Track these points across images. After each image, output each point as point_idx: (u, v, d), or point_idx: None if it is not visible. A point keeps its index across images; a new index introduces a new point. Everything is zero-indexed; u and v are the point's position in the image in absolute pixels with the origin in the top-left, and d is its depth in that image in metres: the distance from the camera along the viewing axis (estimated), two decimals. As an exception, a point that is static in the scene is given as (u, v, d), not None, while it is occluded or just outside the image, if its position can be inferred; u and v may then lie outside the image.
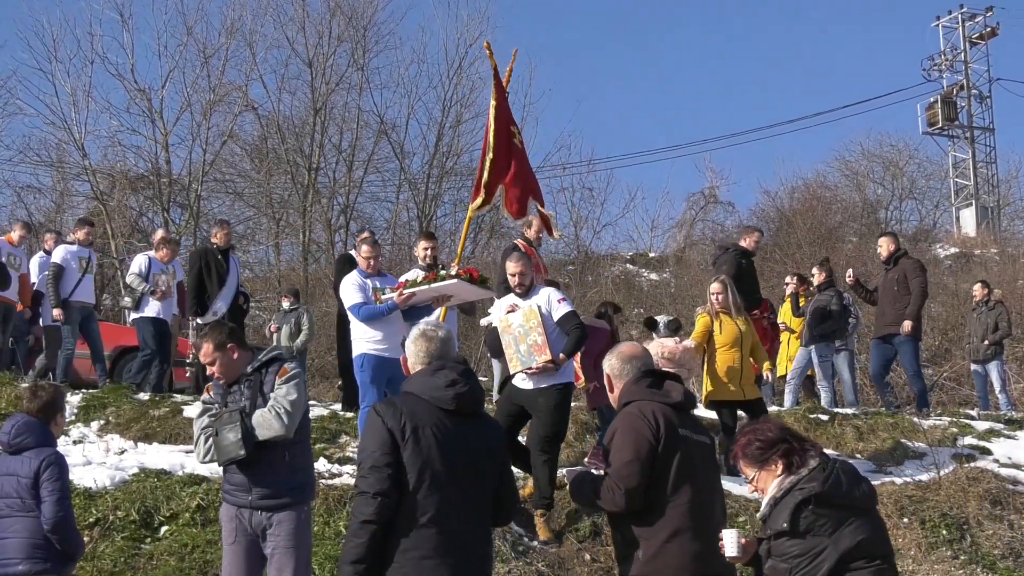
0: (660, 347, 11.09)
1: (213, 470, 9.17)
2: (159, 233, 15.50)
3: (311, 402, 14.18)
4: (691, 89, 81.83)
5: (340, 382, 14.21)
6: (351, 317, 10.36)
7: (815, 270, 15.59)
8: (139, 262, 13.83)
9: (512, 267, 9.44)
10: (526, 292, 9.45)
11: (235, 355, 6.91)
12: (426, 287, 10.23)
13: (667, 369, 11.00)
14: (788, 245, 32.06)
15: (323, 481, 9.78)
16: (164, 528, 9.13)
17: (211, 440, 6.71)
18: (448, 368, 5.40)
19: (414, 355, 5.58)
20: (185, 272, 14.02)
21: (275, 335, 17.18)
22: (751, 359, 11.33)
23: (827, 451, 12.04)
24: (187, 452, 10.36)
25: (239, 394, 6.87)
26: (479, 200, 11.90)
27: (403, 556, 5.07)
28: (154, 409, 12.04)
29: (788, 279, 16.56)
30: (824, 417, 13.12)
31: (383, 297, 10.34)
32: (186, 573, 8.46)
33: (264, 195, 34.58)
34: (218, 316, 13.16)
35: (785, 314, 15.74)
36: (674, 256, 35.64)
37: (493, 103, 12.11)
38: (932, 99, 43.17)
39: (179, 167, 33.97)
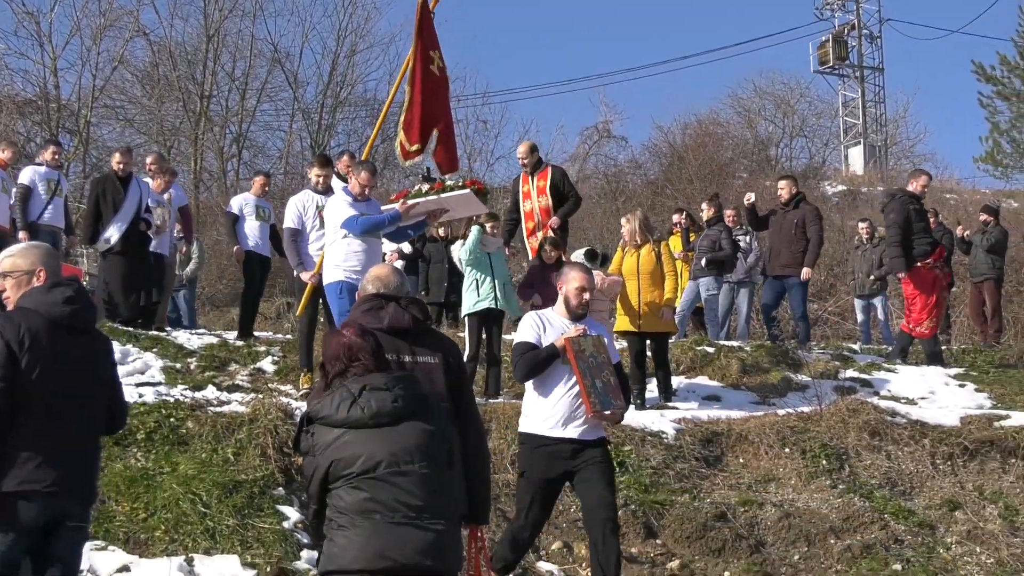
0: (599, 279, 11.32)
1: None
2: (150, 158, 15.27)
3: (202, 330, 14.15)
4: (586, 24, 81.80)
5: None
6: (333, 239, 10.03)
7: (705, 205, 15.80)
8: None
9: (583, 280, 7.65)
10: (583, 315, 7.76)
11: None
12: (434, 198, 10.00)
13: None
14: (679, 180, 32.34)
15: (211, 408, 9.77)
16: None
17: None
18: (64, 285, 5.57)
19: (44, 266, 5.69)
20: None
21: (165, 263, 16.85)
22: (661, 292, 11.47)
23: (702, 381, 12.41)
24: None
25: None
26: (416, 146, 11.09)
27: (12, 459, 5.25)
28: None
29: (676, 217, 16.74)
30: (710, 349, 13.36)
31: (384, 208, 10.10)
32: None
33: (155, 122, 34.05)
34: (110, 244, 13.00)
35: (675, 248, 15.93)
36: (567, 189, 35.74)
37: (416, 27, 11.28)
38: (824, 38, 43.62)
39: (68, 92, 33.38)
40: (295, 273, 11.23)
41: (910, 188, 13.83)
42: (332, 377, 5.16)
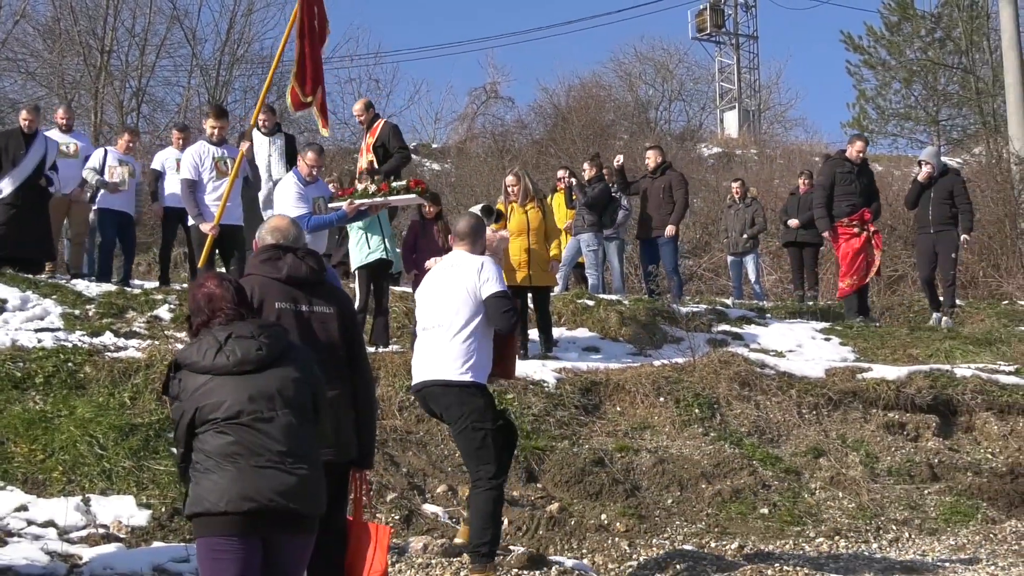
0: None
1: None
2: (60, 112, 15.08)
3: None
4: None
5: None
6: None
7: (586, 165, 16.11)
8: (96, 156, 13.84)
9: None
10: None
11: None
12: (380, 200, 10.35)
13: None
14: (563, 140, 32.64)
15: (108, 354, 9.85)
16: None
17: None
18: None
19: None
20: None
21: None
22: (547, 246, 11.77)
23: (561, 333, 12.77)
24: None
25: None
26: (310, 98, 11.36)
27: None
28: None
29: (560, 173, 17.08)
30: (590, 302, 13.69)
31: (331, 206, 10.45)
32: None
33: (56, 76, 33.53)
34: (2, 195, 13.00)
35: (559, 207, 16.25)
36: (455, 148, 36.02)
37: None
38: (702, 6, 44.03)
39: (-32, 45, 32.58)
40: (189, 222, 11.41)
41: (846, 153, 14.61)
42: (197, 328, 5.23)
